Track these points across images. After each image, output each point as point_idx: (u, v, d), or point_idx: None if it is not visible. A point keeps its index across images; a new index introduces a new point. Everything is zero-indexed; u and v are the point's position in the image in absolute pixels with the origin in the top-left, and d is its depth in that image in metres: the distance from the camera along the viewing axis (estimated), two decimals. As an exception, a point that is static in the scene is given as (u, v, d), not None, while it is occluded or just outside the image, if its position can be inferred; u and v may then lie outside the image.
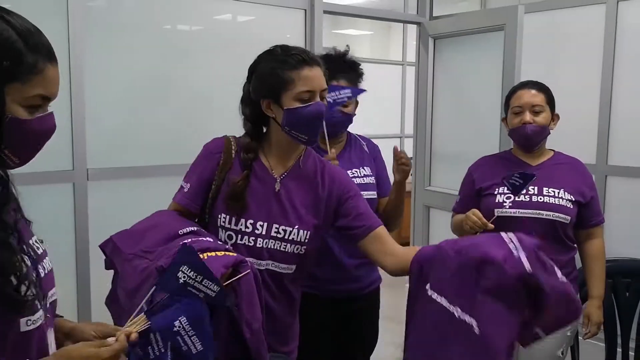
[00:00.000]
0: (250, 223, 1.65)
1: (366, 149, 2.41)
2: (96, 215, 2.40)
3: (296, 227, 1.66)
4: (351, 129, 2.38)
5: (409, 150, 2.80)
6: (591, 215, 2.35)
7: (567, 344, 2.40)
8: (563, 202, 2.27)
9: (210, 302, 1.19)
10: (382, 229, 1.68)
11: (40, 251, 1.10)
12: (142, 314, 1.15)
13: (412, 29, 3.78)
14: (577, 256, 2.41)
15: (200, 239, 1.44)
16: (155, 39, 2.56)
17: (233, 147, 1.69)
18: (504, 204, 2.29)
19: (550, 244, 2.27)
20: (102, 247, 1.54)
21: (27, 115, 0.99)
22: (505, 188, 2.29)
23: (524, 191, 2.26)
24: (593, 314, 2.35)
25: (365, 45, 8.84)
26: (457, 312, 1.31)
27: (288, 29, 2.83)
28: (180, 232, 1.46)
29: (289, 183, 1.70)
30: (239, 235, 1.64)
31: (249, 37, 2.71)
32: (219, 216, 1.65)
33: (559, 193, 2.28)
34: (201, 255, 1.25)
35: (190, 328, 1.15)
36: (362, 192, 2.12)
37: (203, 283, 1.17)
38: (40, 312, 1.04)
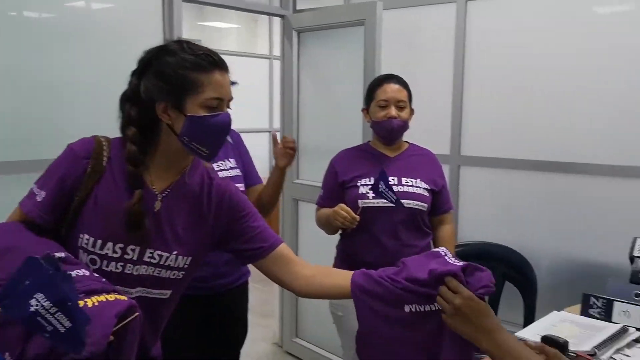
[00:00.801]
0: (120, 247, 1.38)
1: (229, 139, 2.36)
2: None
3: (174, 252, 1.43)
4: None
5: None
6: (443, 203, 2.51)
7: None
8: (420, 191, 2.39)
9: (57, 340, 0.99)
10: (283, 248, 1.52)
11: None
12: None
13: (278, 22, 3.77)
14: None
15: (79, 273, 1.19)
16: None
17: (105, 153, 1.40)
18: (368, 195, 2.36)
19: (410, 231, 2.39)
20: None
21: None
22: (367, 179, 2.38)
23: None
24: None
25: (232, 38, 8.74)
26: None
27: (146, 18, 2.70)
28: None
29: (170, 201, 1.45)
30: (105, 261, 1.38)
31: (104, 26, 2.55)
32: (81, 236, 1.37)
33: (416, 182, 2.40)
34: (88, 301, 1.09)
35: (51, 305, 0.97)
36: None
37: (56, 316, 0.98)
38: None
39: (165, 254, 1.42)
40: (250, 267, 1.68)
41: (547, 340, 1.82)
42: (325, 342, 3.70)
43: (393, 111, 2.38)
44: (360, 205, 2.35)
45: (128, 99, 1.42)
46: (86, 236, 1.36)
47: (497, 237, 2.98)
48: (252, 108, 6.93)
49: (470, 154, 3.29)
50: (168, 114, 1.39)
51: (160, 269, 1.43)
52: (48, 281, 0.98)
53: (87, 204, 1.37)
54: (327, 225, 2.45)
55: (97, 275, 1.28)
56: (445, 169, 3.25)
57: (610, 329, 2.00)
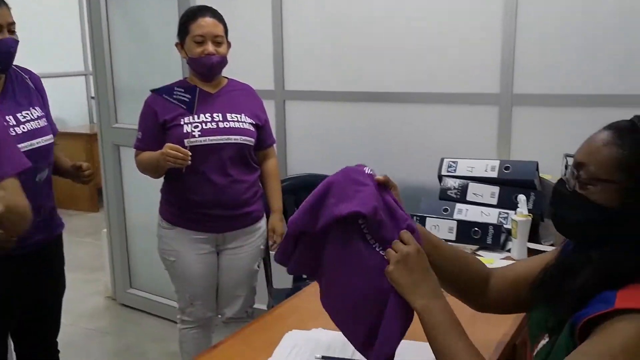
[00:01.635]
0: None
1: (30, 82, 2.12)
2: None
3: None
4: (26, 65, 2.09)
5: (90, 88, 2.58)
6: (266, 137, 2.52)
7: (261, 257, 2.58)
8: (246, 126, 2.37)
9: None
10: None
11: None
12: None
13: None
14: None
15: None
16: None
17: None
18: (193, 133, 2.28)
19: (239, 167, 2.37)
20: None
21: None
22: (191, 117, 2.28)
23: (209, 119, 2.29)
24: (277, 226, 2.56)
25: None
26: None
27: None
28: None
29: None
30: None
31: None
32: None
33: (241, 117, 2.37)
34: None
35: None
36: (36, 140, 1.91)
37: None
38: None
39: None
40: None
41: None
42: (160, 289, 3.62)
43: (210, 47, 2.29)
44: (186, 144, 2.27)
45: None
46: None
47: (323, 169, 3.06)
48: (63, 49, 6.33)
49: (295, 89, 3.31)
50: None
51: None
52: None
53: None
54: (154, 169, 2.34)
55: None
56: (271, 104, 3.27)
57: (423, 243, 2.17)
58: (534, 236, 2.28)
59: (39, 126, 2.04)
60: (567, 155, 1.15)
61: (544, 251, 2.16)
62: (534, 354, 1.18)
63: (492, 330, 1.60)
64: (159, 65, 3.39)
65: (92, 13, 3.44)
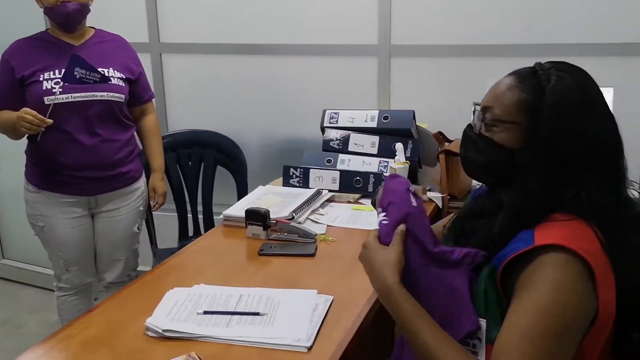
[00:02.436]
0: None
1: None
2: None
3: None
4: None
5: None
6: (141, 92, 2.39)
7: (140, 219, 2.48)
8: (115, 81, 2.23)
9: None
10: None
11: None
12: None
13: None
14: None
15: None
16: None
17: None
18: (54, 90, 2.11)
19: (108, 125, 2.23)
20: None
21: None
22: (52, 73, 2.12)
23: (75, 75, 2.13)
24: (158, 185, 2.46)
25: None
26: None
27: None
28: None
29: None
30: None
31: None
32: None
33: (109, 72, 2.22)
34: None
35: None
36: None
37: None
38: None
39: None
40: None
41: (249, 212, 1.91)
42: (35, 257, 3.40)
43: None
44: (47, 102, 2.10)
45: None
46: None
47: (206, 124, 2.98)
48: None
49: (171, 41, 3.16)
50: None
51: None
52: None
53: None
54: (12, 132, 2.15)
55: None
56: (146, 58, 3.10)
57: (306, 194, 2.19)
58: (414, 183, 2.37)
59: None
60: (475, 104, 1.19)
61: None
62: None
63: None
64: (13, 14, 3.10)
65: None
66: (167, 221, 2.94)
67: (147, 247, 2.72)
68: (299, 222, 1.98)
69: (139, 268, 2.56)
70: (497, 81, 1.16)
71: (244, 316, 1.41)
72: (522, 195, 1.07)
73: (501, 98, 1.11)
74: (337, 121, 2.55)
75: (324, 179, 2.33)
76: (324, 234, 1.93)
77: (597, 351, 1.03)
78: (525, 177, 1.07)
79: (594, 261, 0.98)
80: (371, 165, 2.41)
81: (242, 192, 2.78)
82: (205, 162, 2.84)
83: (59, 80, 2.10)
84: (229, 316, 1.41)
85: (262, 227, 1.89)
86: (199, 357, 1.23)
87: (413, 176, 2.36)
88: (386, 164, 2.38)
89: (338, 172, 2.32)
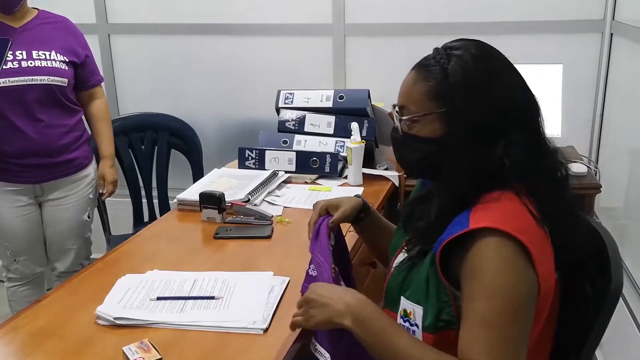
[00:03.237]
0: None
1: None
2: None
3: None
4: None
5: None
6: (88, 75, 2.31)
7: (91, 207, 2.41)
8: (57, 65, 2.14)
9: None
10: None
11: None
12: None
13: None
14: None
15: None
16: None
17: None
18: None
19: (51, 110, 2.16)
20: None
21: None
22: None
23: (11, 58, 2.04)
24: (107, 173, 2.40)
25: None
26: None
27: None
28: None
29: None
30: None
31: None
32: None
33: (50, 55, 2.13)
34: None
35: None
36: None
37: None
38: None
39: None
40: None
41: (203, 196, 1.87)
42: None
43: None
44: None
45: None
46: None
47: (158, 107, 2.91)
48: None
49: (120, 22, 3.06)
50: None
51: None
52: None
53: None
54: None
55: None
56: (94, 40, 3.00)
57: (262, 175, 2.16)
58: (371, 162, 2.37)
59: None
60: (394, 105, 1.18)
61: (380, 176, 2.26)
62: (392, 265, 1.23)
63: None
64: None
65: None
66: (121, 207, 2.87)
67: (102, 234, 2.65)
68: (255, 205, 1.95)
69: (93, 256, 2.50)
70: (404, 78, 1.16)
71: (199, 301, 1.39)
72: (452, 177, 1.08)
73: (411, 94, 1.12)
74: (292, 101, 2.52)
75: (280, 160, 2.30)
76: (280, 215, 1.91)
77: (541, 321, 1.06)
78: (452, 159, 1.08)
79: (527, 239, 0.99)
80: (328, 145, 2.39)
81: (197, 175, 2.73)
82: (158, 145, 2.78)
83: None
84: (183, 301, 1.38)
85: (217, 211, 1.86)
86: (152, 344, 1.20)
87: (369, 155, 2.36)
88: (342, 143, 2.37)
89: (294, 153, 2.30)
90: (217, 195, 1.86)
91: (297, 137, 2.43)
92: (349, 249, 1.53)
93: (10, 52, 2.03)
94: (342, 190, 2.14)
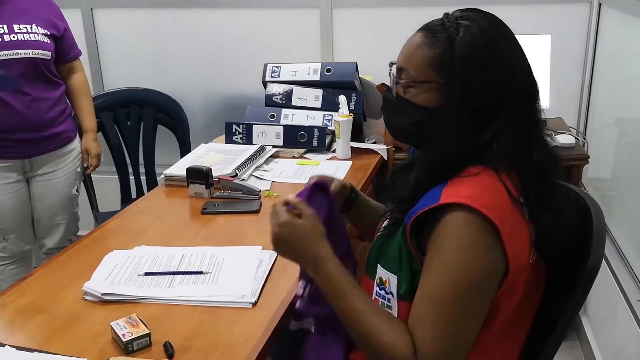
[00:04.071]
0: None
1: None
2: None
3: None
4: None
5: None
6: (67, 49, 2.28)
7: (79, 181, 2.40)
8: (39, 38, 2.11)
9: None
10: None
11: None
12: None
13: None
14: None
15: None
16: None
17: None
18: None
19: (36, 84, 2.12)
20: None
21: None
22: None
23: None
24: (91, 146, 2.38)
25: None
26: None
27: None
28: None
29: None
30: None
31: None
32: None
33: (32, 28, 2.10)
34: None
35: None
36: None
37: None
38: None
39: None
40: None
41: (190, 171, 1.86)
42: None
43: None
44: None
45: None
46: None
47: (144, 82, 2.87)
48: None
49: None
50: None
51: None
52: None
53: None
54: None
55: None
56: (76, 14, 2.95)
57: (250, 150, 2.14)
58: (359, 136, 2.35)
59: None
60: (391, 63, 1.15)
61: (368, 149, 2.25)
62: (377, 232, 1.23)
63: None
64: None
65: None
66: (108, 184, 2.85)
67: (89, 211, 2.63)
68: (243, 179, 1.94)
69: (80, 233, 2.49)
70: (408, 38, 1.12)
71: (187, 276, 1.38)
72: (435, 150, 1.07)
73: (413, 58, 1.09)
74: (279, 75, 2.49)
75: (267, 135, 2.28)
76: (268, 190, 1.90)
77: (513, 302, 1.04)
78: (440, 132, 1.06)
79: (496, 216, 0.98)
80: (315, 119, 2.37)
81: (185, 151, 2.71)
82: (145, 121, 2.75)
83: None
84: (171, 276, 1.38)
85: (204, 186, 1.84)
86: (140, 319, 1.20)
87: (358, 129, 2.34)
88: (330, 117, 2.35)
89: (282, 127, 2.28)
90: (204, 170, 1.84)
91: (285, 111, 2.41)
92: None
93: None
94: (331, 164, 2.13)
